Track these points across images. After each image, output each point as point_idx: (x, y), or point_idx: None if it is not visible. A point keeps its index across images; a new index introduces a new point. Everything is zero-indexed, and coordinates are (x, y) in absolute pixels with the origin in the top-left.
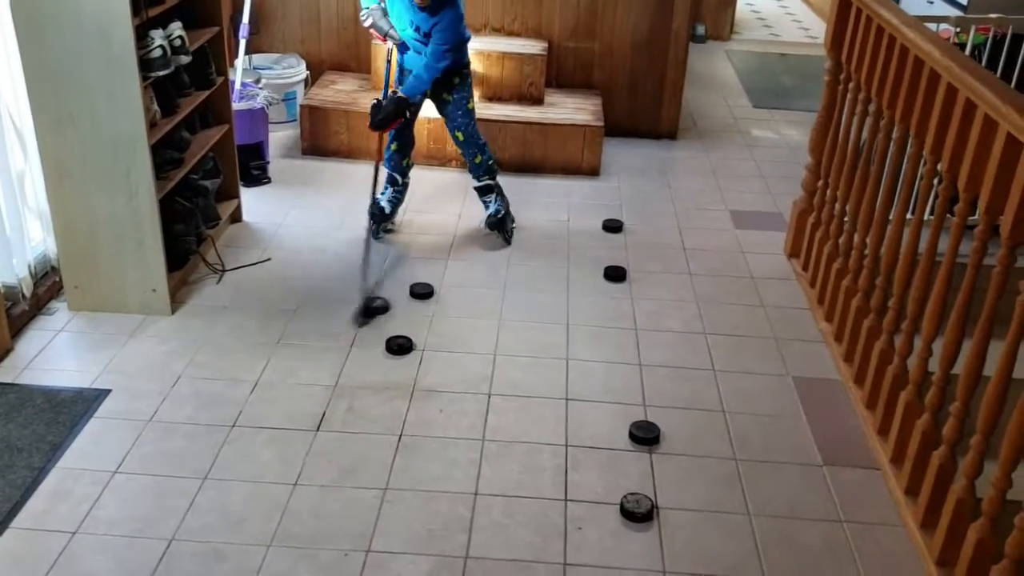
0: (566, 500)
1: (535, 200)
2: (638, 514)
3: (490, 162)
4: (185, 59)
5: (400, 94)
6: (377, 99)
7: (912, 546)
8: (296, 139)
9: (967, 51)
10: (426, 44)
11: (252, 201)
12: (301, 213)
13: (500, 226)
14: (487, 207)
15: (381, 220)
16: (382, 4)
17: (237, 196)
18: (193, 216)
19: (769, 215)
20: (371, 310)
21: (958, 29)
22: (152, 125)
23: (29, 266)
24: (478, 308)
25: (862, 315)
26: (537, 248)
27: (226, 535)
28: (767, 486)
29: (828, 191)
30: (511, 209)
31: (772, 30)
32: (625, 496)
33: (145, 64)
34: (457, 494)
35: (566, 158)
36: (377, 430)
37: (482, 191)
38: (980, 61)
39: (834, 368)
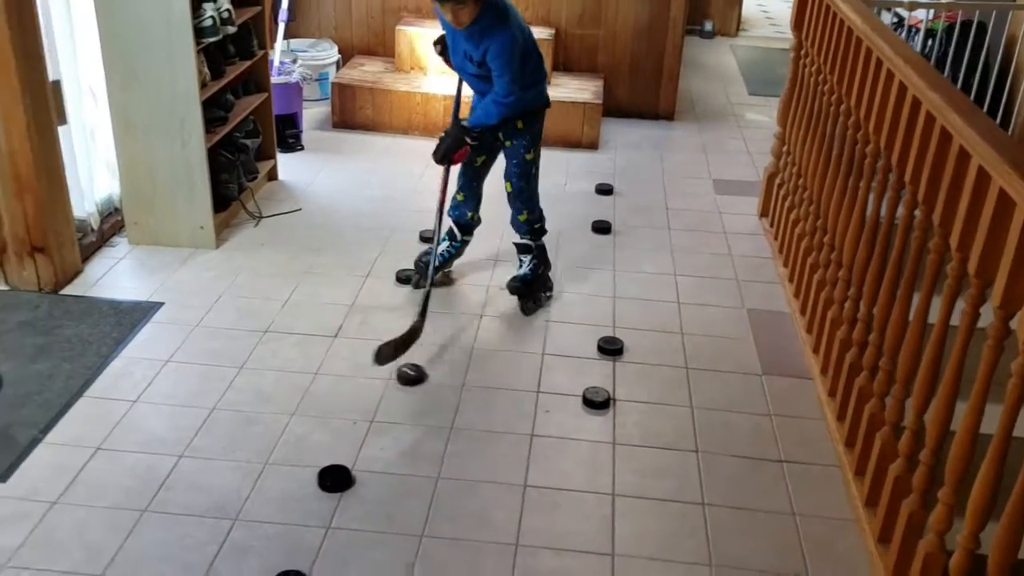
0: (538, 392)
1: None
2: (596, 402)
3: (536, 224)
4: (231, 29)
5: (464, 123)
6: (445, 131)
7: (828, 432)
8: (328, 114)
9: (920, 34)
10: (485, 79)
11: (287, 164)
12: (329, 175)
13: (524, 293)
14: (518, 267)
15: (423, 274)
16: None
17: (274, 157)
18: (235, 168)
19: (748, 183)
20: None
21: (910, 14)
22: (203, 85)
23: (96, 205)
24: (474, 250)
25: (808, 254)
26: None
27: (258, 407)
28: (710, 388)
29: (790, 155)
30: (553, 279)
31: (778, 28)
32: (587, 388)
33: (198, 32)
34: (448, 385)
35: (567, 132)
36: (386, 338)
37: (519, 248)
38: (934, 48)
39: (785, 303)
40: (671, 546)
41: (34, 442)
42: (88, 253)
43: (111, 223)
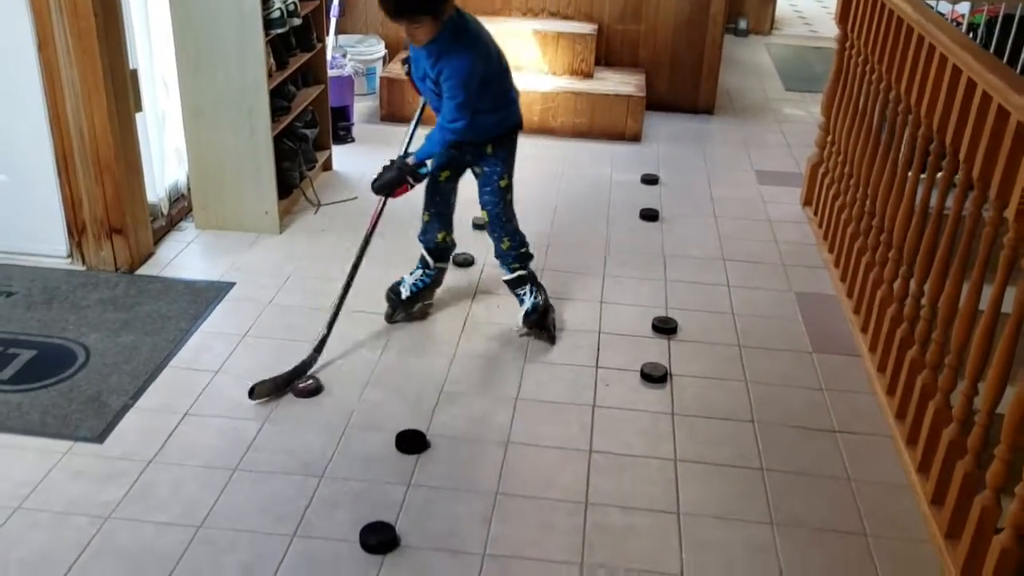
0: (597, 367)
1: (582, 159)
2: (655, 376)
3: (521, 249)
4: (297, 21)
5: (410, 158)
6: (392, 159)
7: (878, 405)
8: (375, 108)
9: (962, 29)
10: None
11: (339, 155)
12: (380, 165)
13: (541, 324)
14: (521, 302)
15: (396, 306)
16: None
17: (329, 148)
18: (297, 156)
19: (790, 174)
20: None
21: (952, 8)
22: (269, 75)
23: (166, 190)
24: (528, 234)
25: (855, 239)
26: (582, 195)
27: (332, 378)
28: (763, 364)
29: (835, 145)
30: (551, 302)
31: (811, 27)
32: (644, 364)
33: (267, 23)
34: (511, 360)
35: (611, 125)
36: (447, 318)
37: (513, 284)
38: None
39: (831, 287)
40: (734, 507)
41: (125, 407)
42: (158, 236)
43: (178, 208)
